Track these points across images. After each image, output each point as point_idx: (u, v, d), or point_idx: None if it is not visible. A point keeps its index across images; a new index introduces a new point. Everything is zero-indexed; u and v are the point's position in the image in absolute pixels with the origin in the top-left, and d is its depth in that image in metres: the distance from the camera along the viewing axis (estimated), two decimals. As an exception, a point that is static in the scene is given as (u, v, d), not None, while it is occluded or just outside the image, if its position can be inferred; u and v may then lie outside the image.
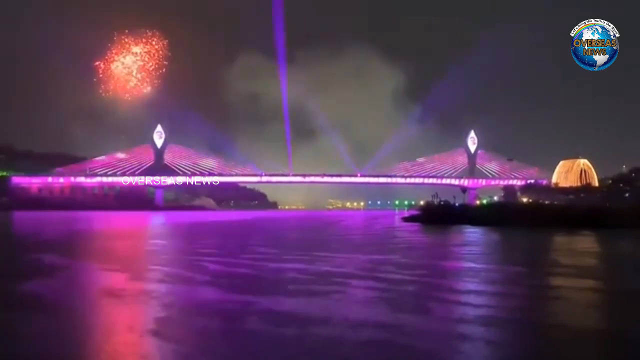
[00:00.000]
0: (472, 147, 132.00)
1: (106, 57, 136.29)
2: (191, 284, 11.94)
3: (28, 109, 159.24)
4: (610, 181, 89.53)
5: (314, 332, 7.46)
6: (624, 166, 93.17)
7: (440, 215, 48.90)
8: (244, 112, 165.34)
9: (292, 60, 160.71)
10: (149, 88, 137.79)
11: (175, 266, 15.34)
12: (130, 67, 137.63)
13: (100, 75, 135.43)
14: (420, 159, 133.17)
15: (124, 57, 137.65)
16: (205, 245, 23.37)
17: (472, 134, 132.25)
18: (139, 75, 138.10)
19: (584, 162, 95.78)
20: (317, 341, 7.09)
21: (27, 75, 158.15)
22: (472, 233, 33.98)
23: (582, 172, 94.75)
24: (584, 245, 25.82)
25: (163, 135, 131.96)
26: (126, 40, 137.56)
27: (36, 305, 9.36)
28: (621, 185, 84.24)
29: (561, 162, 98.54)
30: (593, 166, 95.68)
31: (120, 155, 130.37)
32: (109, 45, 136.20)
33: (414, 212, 61.13)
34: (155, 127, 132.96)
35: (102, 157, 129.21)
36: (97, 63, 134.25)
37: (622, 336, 7.60)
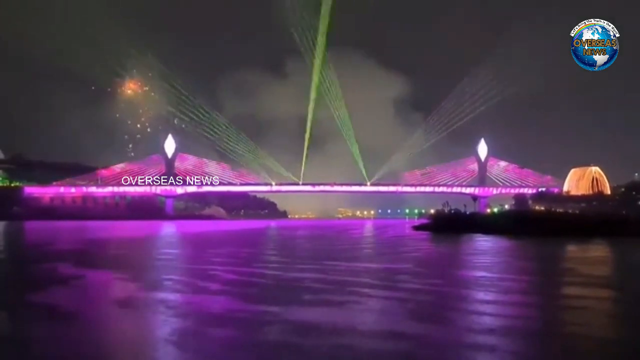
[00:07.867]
0: (483, 155, 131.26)
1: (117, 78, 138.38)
2: (206, 293, 11.90)
3: (40, 119, 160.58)
4: (622, 189, 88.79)
5: (333, 343, 7.38)
6: (637, 174, 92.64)
7: (451, 224, 48.59)
8: (250, 122, 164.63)
9: (284, 72, 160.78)
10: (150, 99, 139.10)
11: (189, 275, 15.33)
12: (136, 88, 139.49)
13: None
14: (430, 168, 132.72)
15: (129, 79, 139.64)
16: (218, 254, 23.33)
17: (483, 142, 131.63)
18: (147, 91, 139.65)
19: (595, 170, 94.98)
20: (336, 352, 7.01)
21: (38, 85, 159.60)
22: (485, 241, 33.70)
23: (594, 180, 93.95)
24: (598, 254, 25.53)
25: (174, 145, 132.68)
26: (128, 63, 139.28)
27: (50, 315, 9.35)
28: (634, 193, 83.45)
29: (572, 170, 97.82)
30: (605, 174, 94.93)
31: (132, 165, 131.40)
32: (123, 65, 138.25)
33: (425, 221, 60.83)
34: (166, 137, 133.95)
35: (114, 167, 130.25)
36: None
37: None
